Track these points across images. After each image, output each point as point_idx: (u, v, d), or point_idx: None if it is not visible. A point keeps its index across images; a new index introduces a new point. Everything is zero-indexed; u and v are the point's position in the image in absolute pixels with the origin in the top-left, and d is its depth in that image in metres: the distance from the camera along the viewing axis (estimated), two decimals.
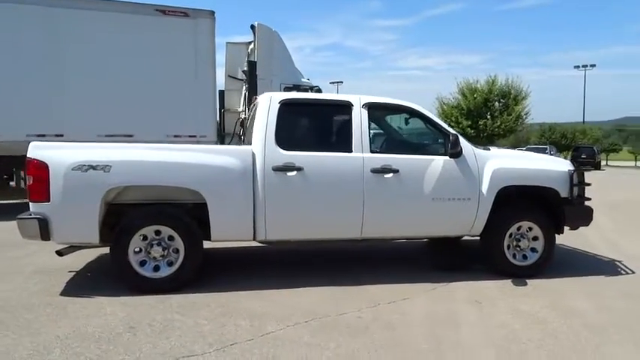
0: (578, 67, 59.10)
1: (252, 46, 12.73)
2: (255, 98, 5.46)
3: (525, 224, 5.27)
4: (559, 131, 37.52)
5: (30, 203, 4.30)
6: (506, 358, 3.33)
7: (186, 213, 4.57)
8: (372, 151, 4.86)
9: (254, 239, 4.73)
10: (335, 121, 5.01)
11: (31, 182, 4.24)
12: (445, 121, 29.18)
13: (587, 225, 5.49)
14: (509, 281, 5.09)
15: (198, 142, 10.44)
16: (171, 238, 4.50)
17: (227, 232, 4.65)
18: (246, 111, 12.41)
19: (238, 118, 12.75)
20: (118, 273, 4.51)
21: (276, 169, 4.60)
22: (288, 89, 11.76)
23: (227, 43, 13.20)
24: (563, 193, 5.33)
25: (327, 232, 4.95)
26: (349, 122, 4.90)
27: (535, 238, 5.31)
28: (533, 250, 5.32)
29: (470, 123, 29.43)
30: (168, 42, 10.13)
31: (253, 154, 4.61)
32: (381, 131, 5.42)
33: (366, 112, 4.95)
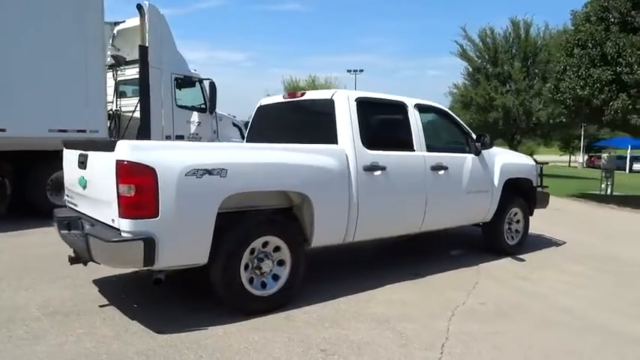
0: (350, 71, 67.12)
1: (120, 26, 11.22)
2: (302, 93, 5.12)
3: (514, 210, 6.30)
4: None
5: (123, 220, 3.32)
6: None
7: (290, 220, 4.15)
8: (427, 150, 5.17)
9: (343, 242, 4.56)
10: (396, 120, 5.12)
11: (132, 193, 3.27)
12: None
13: (546, 207, 6.85)
14: (508, 259, 6.05)
15: (88, 139, 8.79)
16: (277, 249, 4.03)
17: (326, 237, 4.37)
18: (116, 102, 10.93)
19: (108, 111, 11.07)
20: (224, 295, 3.82)
21: (366, 168, 4.53)
22: (179, 80, 10.77)
23: None
24: (535, 182, 6.56)
25: (397, 229, 5.08)
26: (408, 122, 5.10)
27: (518, 221, 6.41)
28: (517, 231, 6.40)
29: None
30: (49, 16, 8.21)
31: (346, 154, 4.44)
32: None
33: (418, 112, 5.23)
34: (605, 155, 18.23)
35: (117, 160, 3.29)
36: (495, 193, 5.89)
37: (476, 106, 24.21)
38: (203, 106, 11.34)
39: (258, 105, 5.77)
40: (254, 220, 3.90)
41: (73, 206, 4.34)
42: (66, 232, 4.18)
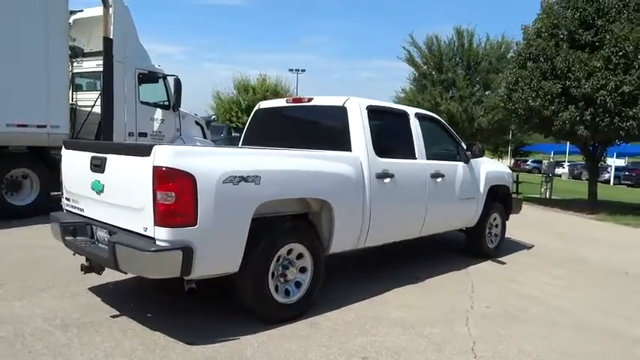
0: (292, 70, 66.78)
1: (77, 16, 10.58)
2: (310, 99, 5.09)
3: (494, 215, 6.65)
4: None
5: (159, 229, 3.18)
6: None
7: (311, 227, 4.15)
8: (427, 158, 5.33)
9: (355, 248, 4.62)
10: (400, 129, 5.23)
11: (171, 201, 3.14)
12: (226, 115, 29.01)
13: (519, 212, 7.27)
14: (489, 262, 6.38)
15: (49, 135, 8.27)
16: (299, 256, 4.01)
17: (343, 243, 4.40)
18: (72, 95, 10.31)
19: None
20: (252, 303, 3.75)
21: (378, 176, 4.61)
22: (142, 75, 10.33)
23: None
24: (510, 189, 6.95)
25: (401, 234, 5.20)
26: (410, 131, 5.25)
27: (497, 226, 6.77)
28: (496, 235, 6.76)
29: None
30: (6, 3, 7.61)
31: (360, 162, 4.50)
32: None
33: (418, 121, 5.39)
34: (545, 161, 19.53)
35: (155, 166, 3.15)
36: (481, 200, 6.19)
37: None
38: (166, 102, 10.96)
39: (255, 108, 5.69)
40: (281, 227, 3.86)
41: (77, 211, 4.08)
42: (71, 238, 3.94)
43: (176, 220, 3.18)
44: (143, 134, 10.33)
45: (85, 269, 3.81)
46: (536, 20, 12.84)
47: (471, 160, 6.04)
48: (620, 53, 10.73)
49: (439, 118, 6.00)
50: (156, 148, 3.18)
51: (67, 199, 4.23)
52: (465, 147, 6.03)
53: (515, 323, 4.18)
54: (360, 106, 4.71)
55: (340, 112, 4.70)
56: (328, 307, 4.23)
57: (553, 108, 11.53)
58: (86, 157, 3.84)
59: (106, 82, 9.38)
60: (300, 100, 5.17)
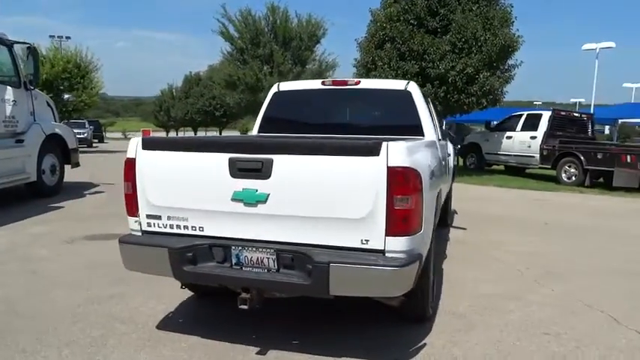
0: (53, 36, 57.23)
1: None
2: (358, 82, 4.74)
3: None
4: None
5: (392, 239, 2.73)
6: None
7: None
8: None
9: None
10: (430, 111, 5.32)
11: (406, 206, 2.71)
12: None
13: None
14: (451, 229, 7.12)
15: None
16: None
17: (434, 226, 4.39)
18: None
19: None
20: (415, 305, 3.48)
21: (442, 159, 4.70)
22: None
23: None
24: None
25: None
26: (432, 113, 5.42)
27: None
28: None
29: (51, 95, 24.40)
30: None
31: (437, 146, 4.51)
32: None
33: (430, 103, 5.60)
34: None
35: (390, 167, 2.67)
36: (451, 174, 6.79)
37: (244, 86, 24.76)
38: (14, 79, 8.54)
39: (274, 90, 5.06)
40: None
41: (186, 231, 3.09)
42: (191, 267, 3.03)
43: (411, 227, 2.78)
44: None
45: (249, 302, 2.96)
46: (385, 5, 14.03)
47: None
48: (463, 40, 12.65)
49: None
50: (387, 146, 2.69)
51: (156, 217, 3.16)
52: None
53: (569, 279, 4.83)
54: (417, 89, 4.68)
55: (404, 97, 4.59)
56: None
57: None
58: (216, 158, 2.95)
59: None
60: (344, 82, 4.80)
